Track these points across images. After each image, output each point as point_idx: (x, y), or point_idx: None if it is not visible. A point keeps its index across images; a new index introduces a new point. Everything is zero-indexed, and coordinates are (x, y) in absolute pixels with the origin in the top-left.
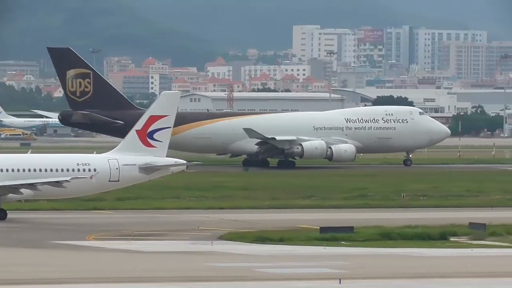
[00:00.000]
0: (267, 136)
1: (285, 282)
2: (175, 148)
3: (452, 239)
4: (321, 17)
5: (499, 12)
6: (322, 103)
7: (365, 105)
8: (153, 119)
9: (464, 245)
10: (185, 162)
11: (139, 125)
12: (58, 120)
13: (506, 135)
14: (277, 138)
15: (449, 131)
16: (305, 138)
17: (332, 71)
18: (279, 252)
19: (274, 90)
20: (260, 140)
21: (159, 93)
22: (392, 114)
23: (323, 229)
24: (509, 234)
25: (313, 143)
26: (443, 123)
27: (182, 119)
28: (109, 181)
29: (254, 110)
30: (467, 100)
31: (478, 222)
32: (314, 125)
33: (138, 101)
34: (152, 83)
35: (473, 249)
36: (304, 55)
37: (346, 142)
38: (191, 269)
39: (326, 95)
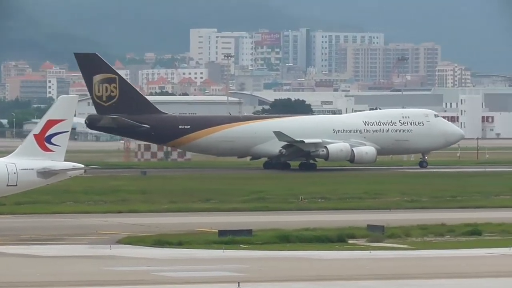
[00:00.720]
0: (296, 139)
1: (184, 285)
2: (199, 151)
3: (350, 241)
4: (218, 21)
5: (396, 15)
6: (220, 106)
7: (263, 108)
8: (50, 123)
9: (362, 247)
10: (83, 166)
11: (37, 129)
12: (85, 124)
13: None
14: (306, 141)
15: (463, 133)
16: (330, 140)
17: (229, 74)
18: (178, 256)
19: (172, 94)
20: (285, 143)
21: (57, 97)
22: (408, 117)
23: (221, 232)
24: (407, 236)
25: (338, 146)
26: None
27: (206, 123)
28: (7, 185)
29: None
30: (364, 103)
31: (376, 224)
32: (334, 128)
33: (35, 106)
34: (49, 87)
35: (371, 251)
36: (202, 58)
37: (365, 145)
38: (90, 273)
39: (224, 98)
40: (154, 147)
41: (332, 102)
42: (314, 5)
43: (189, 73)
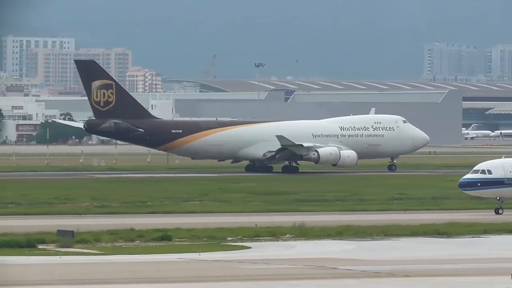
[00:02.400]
0: (296, 143)
1: None
2: (190, 155)
3: (40, 246)
4: None
5: (86, 19)
6: None
7: None
8: None
9: (52, 252)
10: None
11: None
12: (83, 128)
13: (94, 142)
14: (304, 144)
15: (428, 137)
16: (319, 144)
17: None
18: None
19: None
20: (279, 147)
21: None
22: (380, 122)
23: None
24: (97, 241)
25: (328, 149)
26: (31, 131)
27: (196, 128)
28: None
29: None
30: (55, 108)
31: (66, 230)
32: (312, 133)
33: None
34: None
35: (61, 256)
36: None
37: (341, 149)
38: None
39: None
40: None
41: (22, 107)
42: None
43: None
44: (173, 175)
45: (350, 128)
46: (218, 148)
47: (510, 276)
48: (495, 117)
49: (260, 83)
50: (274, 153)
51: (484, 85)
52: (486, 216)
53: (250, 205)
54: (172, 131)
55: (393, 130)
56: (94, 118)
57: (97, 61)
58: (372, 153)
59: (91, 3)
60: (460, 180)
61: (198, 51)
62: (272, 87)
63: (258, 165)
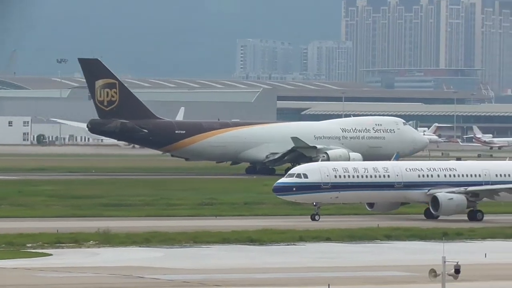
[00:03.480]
0: (310, 144)
1: None
2: (193, 156)
3: None
4: None
5: None
6: None
7: None
8: None
9: None
10: None
11: None
12: (86, 128)
13: None
14: (318, 146)
15: (427, 140)
16: (328, 146)
17: None
18: None
19: None
20: (288, 149)
21: None
22: (381, 125)
23: None
24: None
25: (337, 152)
26: None
27: (199, 129)
28: None
29: None
30: None
31: None
32: (315, 134)
33: None
34: None
35: None
36: None
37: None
38: None
39: None
40: None
41: None
42: None
43: None
44: None
45: (351, 130)
46: (221, 149)
47: (328, 286)
48: (311, 118)
49: (62, 80)
50: (279, 155)
51: (300, 84)
52: (302, 222)
53: (51, 210)
54: (176, 132)
55: (394, 132)
56: (98, 118)
57: None
58: (373, 155)
59: None
60: (275, 185)
61: None
62: (76, 85)
63: (260, 167)
